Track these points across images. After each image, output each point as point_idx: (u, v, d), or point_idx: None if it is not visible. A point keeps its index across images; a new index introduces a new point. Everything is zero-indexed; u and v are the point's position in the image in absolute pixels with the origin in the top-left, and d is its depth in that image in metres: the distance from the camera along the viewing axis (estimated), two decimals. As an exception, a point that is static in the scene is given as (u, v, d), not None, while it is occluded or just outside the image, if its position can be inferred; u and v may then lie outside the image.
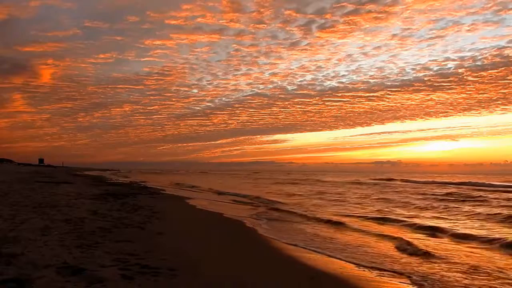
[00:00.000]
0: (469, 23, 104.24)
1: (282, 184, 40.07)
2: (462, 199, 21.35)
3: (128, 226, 8.86)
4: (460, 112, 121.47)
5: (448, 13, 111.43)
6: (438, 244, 8.98)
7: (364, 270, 6.52)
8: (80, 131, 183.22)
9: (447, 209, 16.45)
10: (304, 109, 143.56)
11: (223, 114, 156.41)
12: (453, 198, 21.82)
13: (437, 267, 6.78)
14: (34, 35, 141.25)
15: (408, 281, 5.97)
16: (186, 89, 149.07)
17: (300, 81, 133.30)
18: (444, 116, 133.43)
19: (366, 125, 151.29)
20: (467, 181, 46.54)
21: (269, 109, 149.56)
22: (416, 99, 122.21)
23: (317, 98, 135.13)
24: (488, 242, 9.15)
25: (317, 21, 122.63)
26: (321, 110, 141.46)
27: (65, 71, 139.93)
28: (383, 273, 6.32)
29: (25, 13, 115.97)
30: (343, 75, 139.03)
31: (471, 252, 8.17)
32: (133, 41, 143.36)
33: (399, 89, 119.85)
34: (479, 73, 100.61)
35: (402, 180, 52.61)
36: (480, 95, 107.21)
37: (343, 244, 8.73)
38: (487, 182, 41.24)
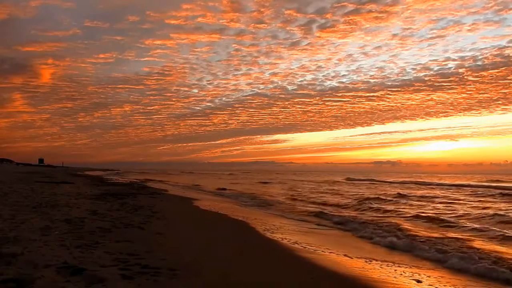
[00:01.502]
0: (470, 22, 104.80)
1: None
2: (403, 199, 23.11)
3: (128, 226, 8.85)
4: (460, 112, 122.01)
5: (448, 12, 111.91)
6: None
7: (367, 271, 6.52)
8: (80, 131, 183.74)
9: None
10: (304, 109, 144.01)
11: (223, 114, 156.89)
12: (387, 198, 23.58)
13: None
14: (34, 35, 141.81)
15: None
16: (186, 89, 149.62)
17: (301, 81, 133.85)
18: (444, 116, 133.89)
19: (366, 125, 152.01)
20: (453, 182, 48.70)
21: (269, 109, 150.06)
22: (417, 99, 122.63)
23: (317, 98, 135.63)
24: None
25: (318, 21, 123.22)
26: (321, 110, 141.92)
27: (65, 71, 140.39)
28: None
29: (25, 13, 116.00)
30: (344, 75, 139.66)
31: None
32: (133, 41, 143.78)
33: (399, 89, 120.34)
34: (480, 73, 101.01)
35: (372, 181, 55.25)
36: (481, 95, 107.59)
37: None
38: (466, 183, 44.35)
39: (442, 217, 14.04)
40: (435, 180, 57.30)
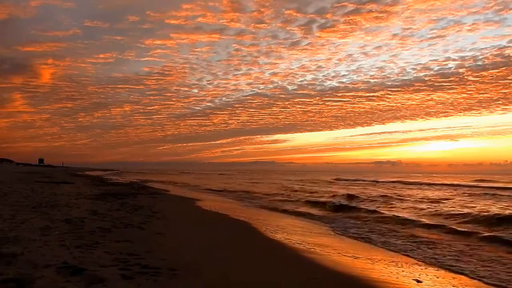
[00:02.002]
0: (470, 22, 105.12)
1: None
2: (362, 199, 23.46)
3: (128, 226, 8.85)
4: (460, 112, 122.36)
5: (449, 12, 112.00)
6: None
7: (367, 270, 6.52)
8: (80, 131, 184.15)
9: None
10: (305, 109, 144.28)
11: (223, 114, 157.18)
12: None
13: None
14: (34, 35, 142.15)
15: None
16: (186, 89, 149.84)
17: (301, 81, 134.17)
18: (445, 116, 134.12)
19: (366, 125, 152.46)
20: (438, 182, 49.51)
21: (269, 109, 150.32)
22: (417, 99, 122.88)
23: (317, 98, 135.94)
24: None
25: (318, 21, 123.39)
26: (321, 110, 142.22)
27: (65, 71, 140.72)
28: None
29: (25, 13, 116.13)
30: (344, 75, 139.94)
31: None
32: (133, 41, 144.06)
33: (399, 89, 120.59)
34: (480, 73, 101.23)
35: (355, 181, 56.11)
36: (481, 95, 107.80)
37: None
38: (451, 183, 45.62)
39: (406, 216, 14.64)
40: (427, 180, 57.80)
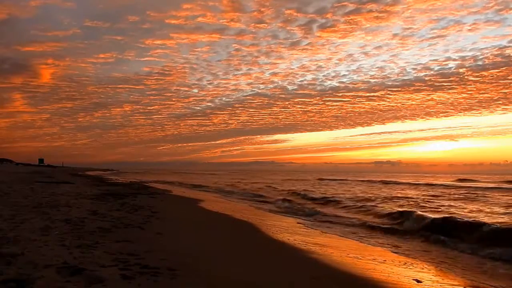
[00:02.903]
0: (470, 22, 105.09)
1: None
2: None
3: (128, 226, 8.86)
4: (460, 112, 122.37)
5: (449, 12, 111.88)
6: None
7: (367, 270, 6.52)
8: (80, 131, 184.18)
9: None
10: (305, 109, 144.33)
11: (223, 114, 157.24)
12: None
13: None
14: (34, 35, 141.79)
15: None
16: (186, 89, 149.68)
17: (301, 81, 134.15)
18: (445, 116, 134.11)
19: (366, 125, 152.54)
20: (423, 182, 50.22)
21: (270, 109, 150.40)
22: (417, 99, 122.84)
23: (317, 98, 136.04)
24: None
25: (318, 21, 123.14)
26: (321, 110, 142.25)
27: (65, 71, 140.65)
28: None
29: (25, 13, 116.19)
30: (344, 75, 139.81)
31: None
32: (133, 41, 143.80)
33: (399, 89, 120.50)
34: (480, 73, 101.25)
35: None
36: (481, 95, 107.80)
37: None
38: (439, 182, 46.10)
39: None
40: (411, 180, 57.96)
